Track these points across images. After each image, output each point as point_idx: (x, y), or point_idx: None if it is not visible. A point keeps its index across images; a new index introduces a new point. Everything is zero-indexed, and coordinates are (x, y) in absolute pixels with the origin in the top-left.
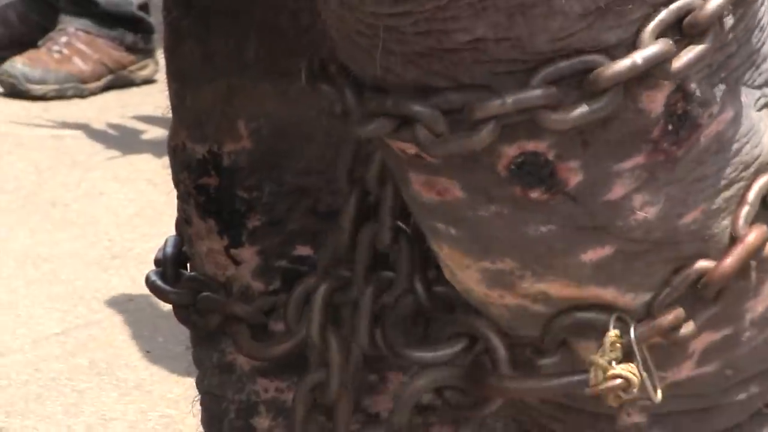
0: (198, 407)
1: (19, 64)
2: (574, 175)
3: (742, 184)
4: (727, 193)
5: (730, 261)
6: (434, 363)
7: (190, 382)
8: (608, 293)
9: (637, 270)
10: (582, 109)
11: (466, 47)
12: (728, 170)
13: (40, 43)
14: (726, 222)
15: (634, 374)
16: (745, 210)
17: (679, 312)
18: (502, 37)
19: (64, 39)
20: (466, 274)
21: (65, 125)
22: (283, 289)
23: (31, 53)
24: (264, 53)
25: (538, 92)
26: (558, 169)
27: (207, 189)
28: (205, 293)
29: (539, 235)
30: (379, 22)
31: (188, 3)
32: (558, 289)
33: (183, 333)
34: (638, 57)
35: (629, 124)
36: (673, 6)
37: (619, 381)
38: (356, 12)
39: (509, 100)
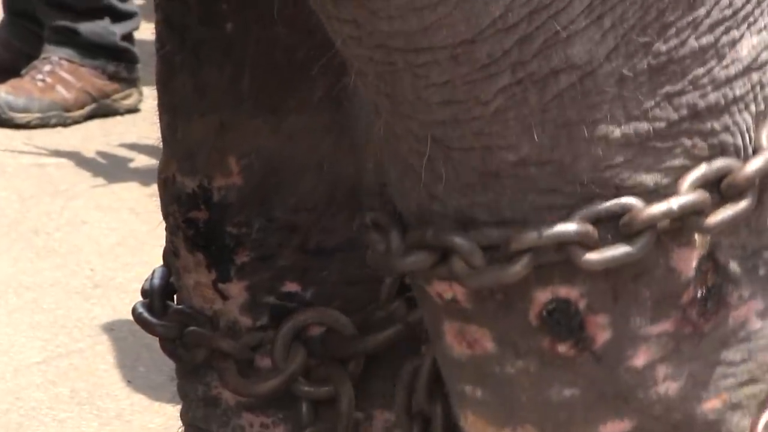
0: None
1: (2, 93)
2: (602, 332)
3: (762, 385)
4: (748, 390)
5: None
6: None
7: (171, 412)
8: None
9: None
10: (614, 251)
11: (510, 172)
12: (753, 365)
13: (23, 71)
14: (745, 421)
15: None
16: (764, 418)
17: None
18: (545, 160)
19: (47, 68)
20: None
21: (48, 153)
22: (270, 325)
23: (15, 81)
24: (257, 88)
25: (574, 228)
26: (587, 322)
27: (196, 223)
28: (192, 327)
29: (562, 399)
30: (426, 131)
31: (182, 36)
32: None
33: (165, 363)
34: (674, 203)
35: (660, 283)
36: (714, 163)
37: None
38: (406, 121)
39: (545, 233)
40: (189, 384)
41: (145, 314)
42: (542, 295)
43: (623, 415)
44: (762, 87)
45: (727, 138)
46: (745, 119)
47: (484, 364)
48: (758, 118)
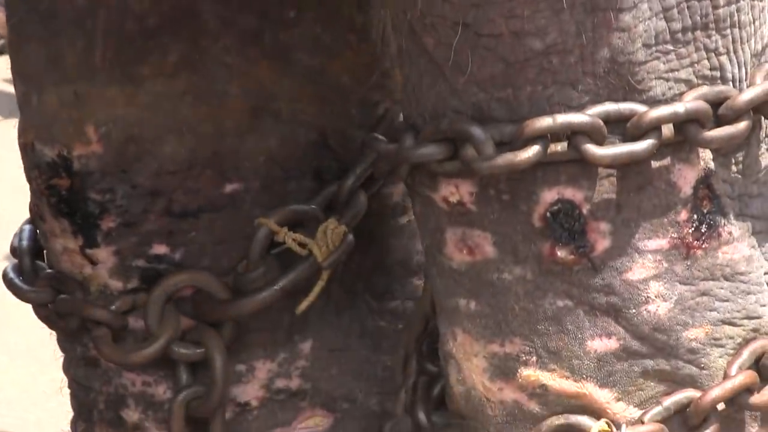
0: None
1: None
2: (602, 240)
3: (741, 331)
4: (729, 330)
5: (716, 392)
6: None
7: None
8: (603, 396)
9: (634, 377)
10: (621, 148)
11: (534, 62)
12: (735, 306)
13: None
14: (722, 361)
15: None
16: (739, 360)
17: (665, 429)
18: (569, 48)
19: None
20: (473, 364)
21: None
22: (141, 288)
23: None
24: (111, 58)
25: (586, 119)
26: (589, 227)
27: (58, 190)
28: (63, 296)
29: (554, 310)
30: (459, 16)
31: (32, 7)
32: (558, 382)
33: None
34: (680, 107)
35: (660, 196)
36: (716, 87)
37: None
38: (440, 7)
39: (559, 120)
40: (67, 342)
41: (16, 280)
42: (548, 195)
43: (611, 333)
44: (762, 24)
45: (726, 64)
46: (745, 52)
47: (482, 270)
48: (756, 59)
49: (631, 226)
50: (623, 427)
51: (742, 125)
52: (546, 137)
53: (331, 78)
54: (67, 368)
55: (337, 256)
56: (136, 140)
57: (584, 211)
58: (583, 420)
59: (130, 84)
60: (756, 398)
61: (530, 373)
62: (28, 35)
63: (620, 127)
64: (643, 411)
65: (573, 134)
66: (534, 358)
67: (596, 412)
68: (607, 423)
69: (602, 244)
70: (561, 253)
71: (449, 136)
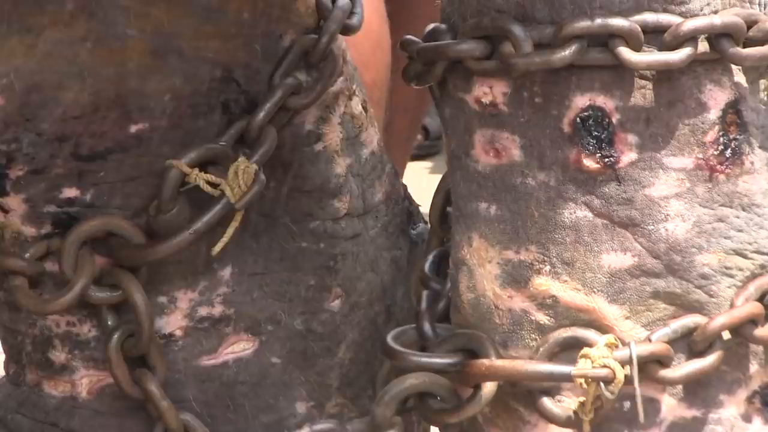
0: None
1: None
2: (628, 151)
3: (750, 264)
4: (740, 261)
5: (723, 319)
6: (429, 369)
7: None
8: (611, 313)
9: (644, 296)
10: (658, 56)
11: None
12: (747, 238)
13: None
14: (730, 292)
15: (620, 372)
16: (746, 292)
17: (671, 351)
18: None
19: None
20: (485, 270)
21: None
22: (55, 233)
23: None
24: (8, 9)
25: (624, 23)
26: (617, 137)
27: None
28: None
29: (573, 220)
30: None
31: None
32: (568, 294)
33: None
34: (716, 19)
35: (690, 114)
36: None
37: (605, 371)
38: None
39: (597, 22)
40: None
41: None
42: (580, 101)
43: (627, 248)
44: None
45: None
46: None
47: (507, 174)
48: None
49: (659, 141)
50: (632, 343)
51: None
52: (584, 39)
53: (231, 15)
54: None
55: (250, 197)
56: (38, 89)
57: (614, 120)
58: (590, 334)
59: (29, 34)
60: (760, 331)
61: (542, 282)
62: None
63: (657, 39)
64: (651, 331)
65: (610, 38)
66: (547, 268)
67: (603, 329)
68: (614, 338)
69: (628, 156)
70: (587, 162)
71: (489, 33)
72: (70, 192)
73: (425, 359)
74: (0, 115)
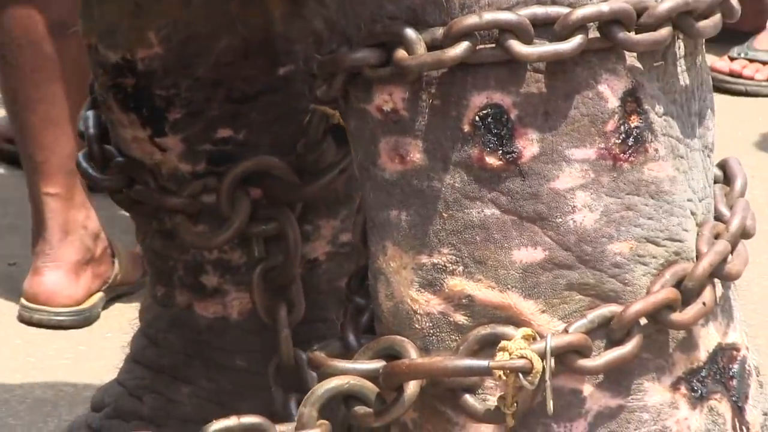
0: None
1: None
2: (530, 146)
3: (663, 251)
4: (653, 248)
5: (639, 305)
6: (353, 373)
7: None
8: (527, 307)
9: (559, 289)
10: (547, 46)
11: None
12: (656, 224)
13: None
14: (645, 280)
15: (538, 362)
16: (662, 279)
17: (589, 341)
18: None
19: None
20: (401, 277)
21: None
22: (209, 170)
23: None
24: None
25: (513, 17)
26: (517, 132)
27: (124, 88)
28: (138, 186)
29: (481, 219)
30: None
31: None
32: (483, 292)
33: None
34: (604, 6)
35: (588, 105)
36: None
37: (523, 362)
38: None
39: (485, 17)
40: (142, 218)
41: (90, 170)
42: (477, 99)
43: (537, 243)
44: None
45: None
46: None
47: (413, 178)
48: None
49: (559, 133)
50: (548, 335)
51: (664, 31)
52: (474, 36)
53: None
54: (142, 240)
55: None
56: (193, 39)
57: (512, 116)
58: (509, 330)
59: None
60: (677, 316)
61: (456, 283)
62: None
63: (548, 32)
64: (567, 323)
65: (501, 33)
66: (461, 268)
67: (521, 324)
68: (531, 331)
69: (530, 150)
70: (489, 159)
71: (383, 39)
72: (224, 132)
73: (349, 365)
74: (160, 64)
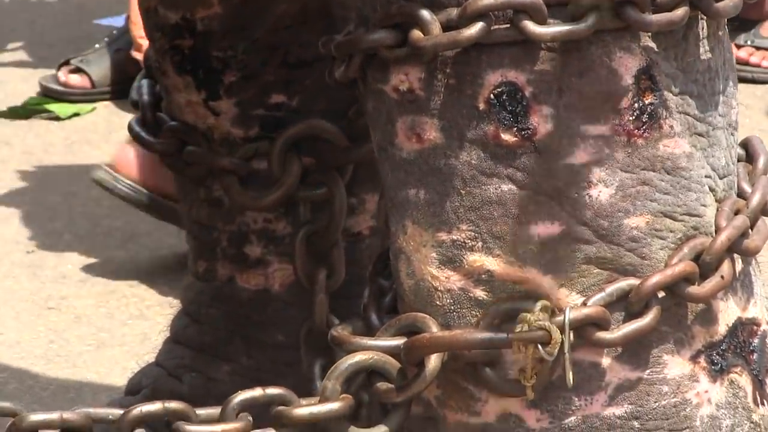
0: None
1: None
2: (544, 123)
3: (681, 226)
4: (669, 223)
5: (657, 278)
6: (375, 350)
7: (8, 286)
8: (546, 282)
9: (577, 263)
10: (562, 26)
11: None
12: (674, 200)
13: None
14: (663, 254)
15: (556, 333)
16: (680, 253)
17: (607, 314)
18: None
19: None
20: (422, 255)
21: None
22: (262, 135)
23: None
24: None
25: None
26: (532, 110)
27: (182, 50)
28: (191, 147)
29: (499, 194)
30: None
31: None
32: (502, 267)
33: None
34: None
35: (602, 82)
36: None
37: (541, 333)
38: None
39: None
40: (189, 186)
41: (142, 133)
42: (492, 78)
43: (554, 217)
44: None
45: None
46: None
47: (430, 157)
48: None
49: (573, 110)
50: (566, 308)
51: (680, 11)
52: (489, 16)
53: None
54: (188, 211)
55: None
56: (253, 0)
57: (527, 93)
58: (528, 304)
59: None
60: (695, 289)
61: (476, 259)
62: None
63: (562, 12)
64: (586, 297)
65: (515, 14)
66: (479, 244)
67: (540, 298)
68: (549, 303)
69: (545, 127)
70: (505, 136)
71: (398, 20)
72: (278, 98)
73: (372, 342)
74: (218, 24)
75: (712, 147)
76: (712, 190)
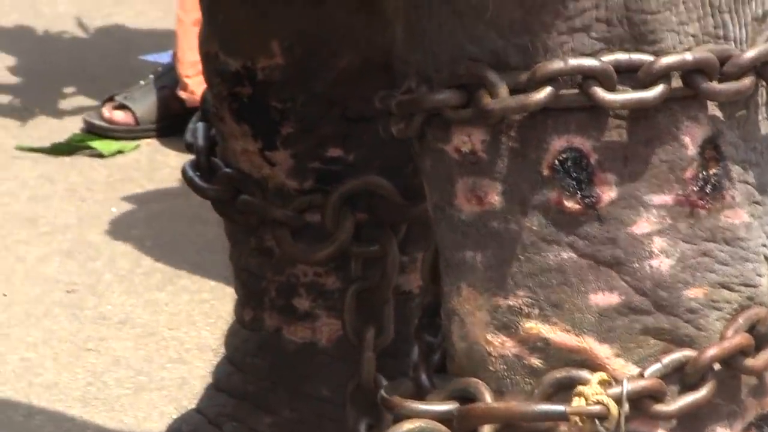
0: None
1: None
2: (608, 191)
3: (737, 296)
4: (727, 294)
5: (713, 351)
6: (427, 416)
7: (47, 326)
8: (603, 351)
9: (634, 334)
10: (632, 94)
11: (549, 6)
12: (733, 271)
13: None
14: (719, 325)
15: (614, 408)
16: (735, 324)
17: (664, 386)
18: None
19: None
20: (476, 318)
21: None
22: (317, 188)
23: None
24: None
25: (597, 63)
26: (596, 177)
27: (241, 98)
28: (244, 196)
29: (558, 262)
30: None
31: None
32: (559, 336)
33: (40, 277)
34: (688, 56)
35: (667, 152)
36: (719, 45)
37: (600, 407)
38: None
39: (570, 63)
40: (241, 234)
41: (196, 179)
42: (557, 143)
43: (613, 287)
44: None
45: (729, 23)
46: (746, 13)
47: (490, 220)
48: (757, 24)
49: (638, 179)
50: (624, 380)
51: (747, 81)
52: (558, 81)
53: None
54: (237, 259)
55: None
56: (316, 53)
57: (592, 160)
58: (584, 374)
59: (311, 3)
60: (751, 361)
61: (532, 326)
62: None
63: (631, 78)
64: (642, 368)
65: (584, 79)
66: (536, 311)
67: (596, 368)
68: (607, 375)
69: (609, 195)
70: (568, 203)
71: (465, 81)
72: (335, 152)
73: (423, 407)
74: (280, 75)
75: (767, 215)
76: (766, 258)
